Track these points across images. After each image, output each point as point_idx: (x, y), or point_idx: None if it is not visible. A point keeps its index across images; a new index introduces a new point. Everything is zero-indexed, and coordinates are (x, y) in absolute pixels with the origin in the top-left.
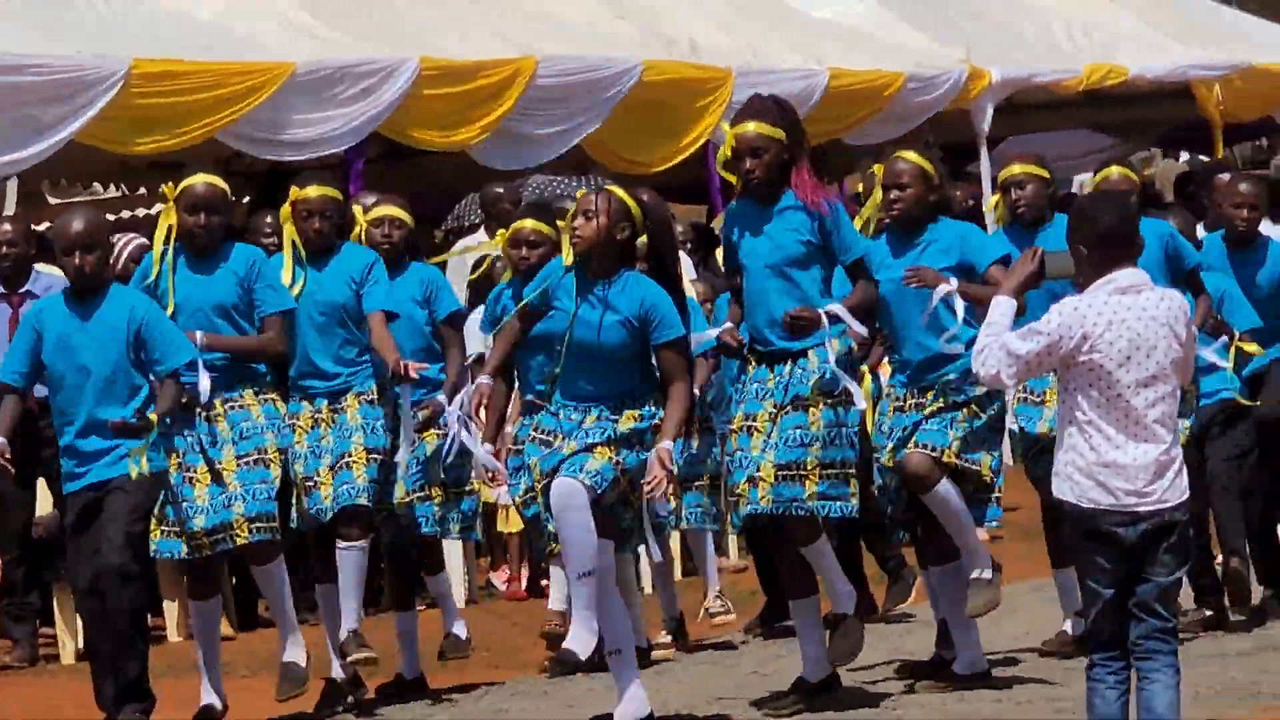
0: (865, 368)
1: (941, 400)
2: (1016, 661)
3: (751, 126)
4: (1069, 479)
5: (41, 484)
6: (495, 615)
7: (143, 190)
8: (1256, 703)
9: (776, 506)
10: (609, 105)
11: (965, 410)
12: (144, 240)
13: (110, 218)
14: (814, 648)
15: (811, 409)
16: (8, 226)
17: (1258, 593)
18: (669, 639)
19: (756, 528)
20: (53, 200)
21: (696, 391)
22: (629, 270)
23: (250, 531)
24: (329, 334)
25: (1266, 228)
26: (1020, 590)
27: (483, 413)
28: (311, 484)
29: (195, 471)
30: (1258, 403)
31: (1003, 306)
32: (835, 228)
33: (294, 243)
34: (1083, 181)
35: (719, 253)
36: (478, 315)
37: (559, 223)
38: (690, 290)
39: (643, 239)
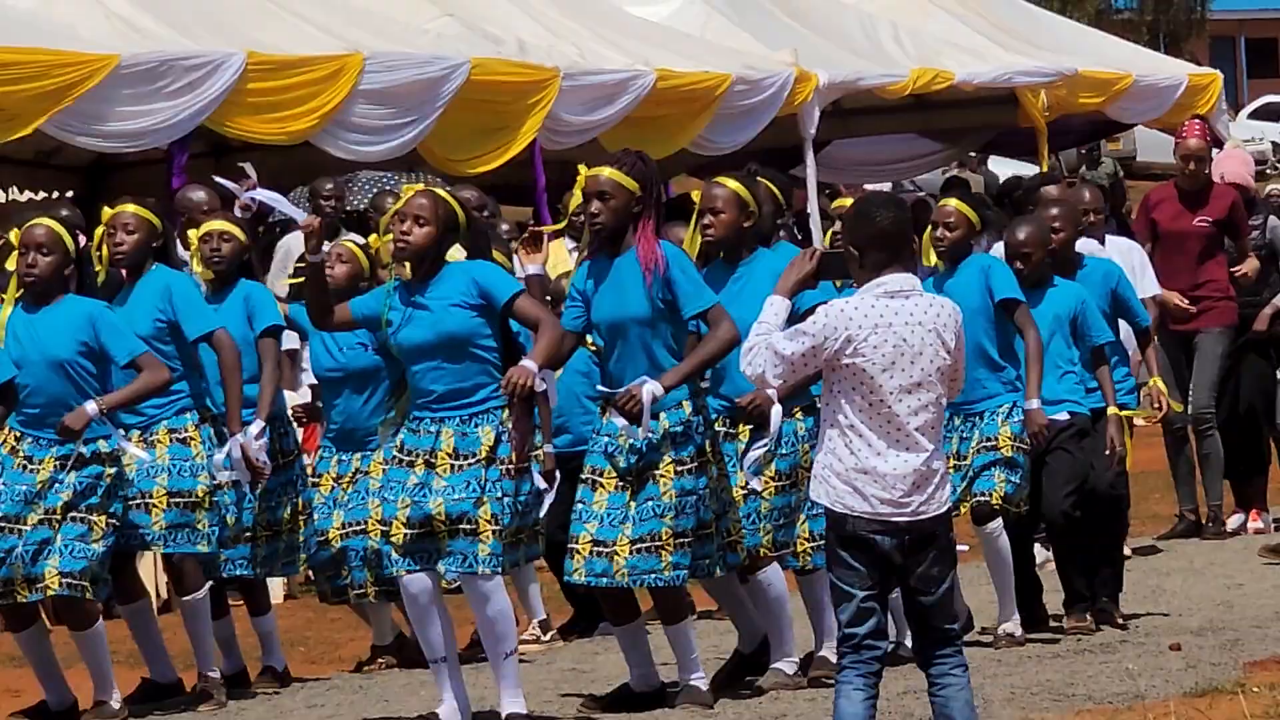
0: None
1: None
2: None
3: (605, 171)
4: (825, 482)
5: None
6: (313, 610)
7: None
8: (1070, 704)
9: (633, 579)
10: (438, 103)
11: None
12: None
13: None
14: (640, 664)
15: (663, 479)
16: None
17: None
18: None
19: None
20: None
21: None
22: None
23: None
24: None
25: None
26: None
27: None
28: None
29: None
30: None
31: (775, 306)
32: (674, 281)
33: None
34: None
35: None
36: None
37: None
38: None
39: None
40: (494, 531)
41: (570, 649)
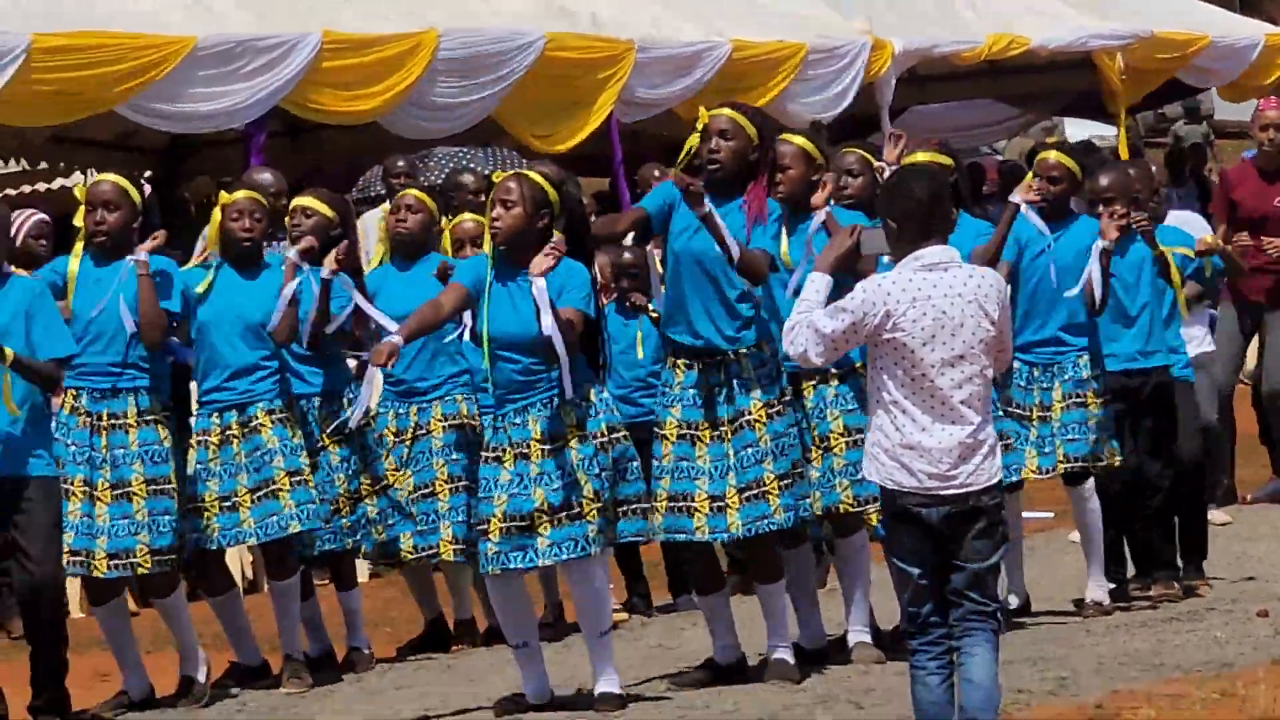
0: None
1: None
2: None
3: (727, 111)
4: (875, 459)
5: None
6: (399, 589)
7: (43, 165)
8: (1158, 674)
9: (747, 528)
10: (512, 78)
11: None
12: (44, 216)
13: (10, 193)
14: (724, 635)
15: (757, 424)
16: None
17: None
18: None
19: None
20: None
21: None
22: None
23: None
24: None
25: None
26: None
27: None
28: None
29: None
30: None
31: (816, 283)
32: (775, 239)
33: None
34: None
35: None
36: None
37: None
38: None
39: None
40: (597, 509)
41: (656, 625)
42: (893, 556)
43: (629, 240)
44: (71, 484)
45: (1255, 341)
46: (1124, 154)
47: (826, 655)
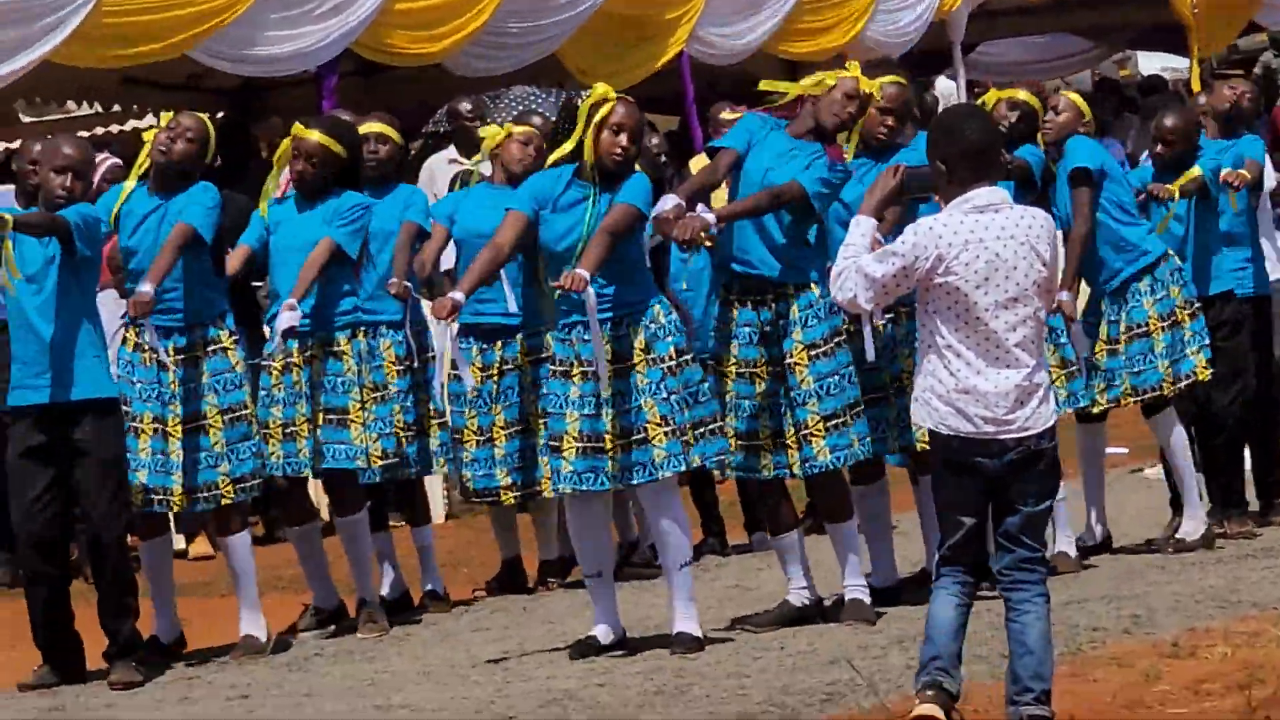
0: None
1: None
2: None
3: (893, 78)
4: (927, 405)
5: None
6: (475, 530)
7: (116, 107)
8: (1234, 610)
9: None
10: (582, 16)
11: None
12: (118, 161)
13: (83, 134)
14: (798, 576)
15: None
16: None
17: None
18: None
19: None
20: (26, 119)
21: None
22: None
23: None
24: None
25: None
26: None
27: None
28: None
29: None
30: None
31: (862, 226)
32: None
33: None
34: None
35: (693, 164)
36: None
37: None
38: None
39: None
40: (664, 433)
41: (732, 565)
42: (942, 503)
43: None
44: (141, 421)
45: None
46: (1195, 87)
47: (900, 593)
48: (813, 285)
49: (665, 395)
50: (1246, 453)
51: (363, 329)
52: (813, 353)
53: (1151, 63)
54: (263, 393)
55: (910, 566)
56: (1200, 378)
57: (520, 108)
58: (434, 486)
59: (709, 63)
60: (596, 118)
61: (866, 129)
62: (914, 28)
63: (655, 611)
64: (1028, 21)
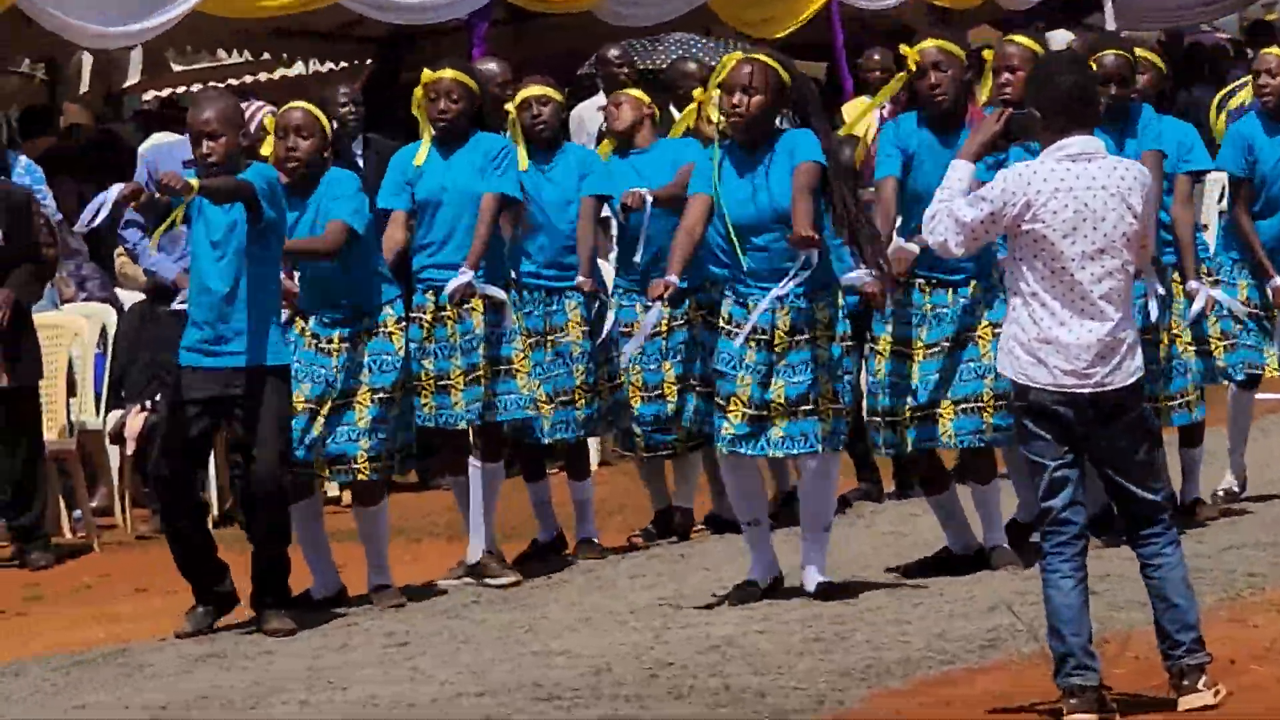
0: None
1: None
2: None
3: (932, 43)
4: (1010, 353)
5: None
6: (630, 477)
7: (266, 55)
8: None
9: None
10: None
11: None
12: (272, 109)
13: (234, 83)
14: (958, 529)
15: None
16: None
17: None
18: None
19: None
20: (177, 68)
21: None
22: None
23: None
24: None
25: None
26: None
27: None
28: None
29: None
30: None
31: (959, 170)
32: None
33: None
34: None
35: (846, 109)
36: None
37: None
38: None
39: None
40: (834, 410)
41: (888, 511)
42: (1027, 451)
43: None
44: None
45: None
46: None
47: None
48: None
49: (841, 374)
50: None
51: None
52: (997, 330)
53: None
54: (414, 345)
55: None
56: None
57: (680, 52)
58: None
59: (859, 8)
60: (714, 81)
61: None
62: None
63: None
64: None
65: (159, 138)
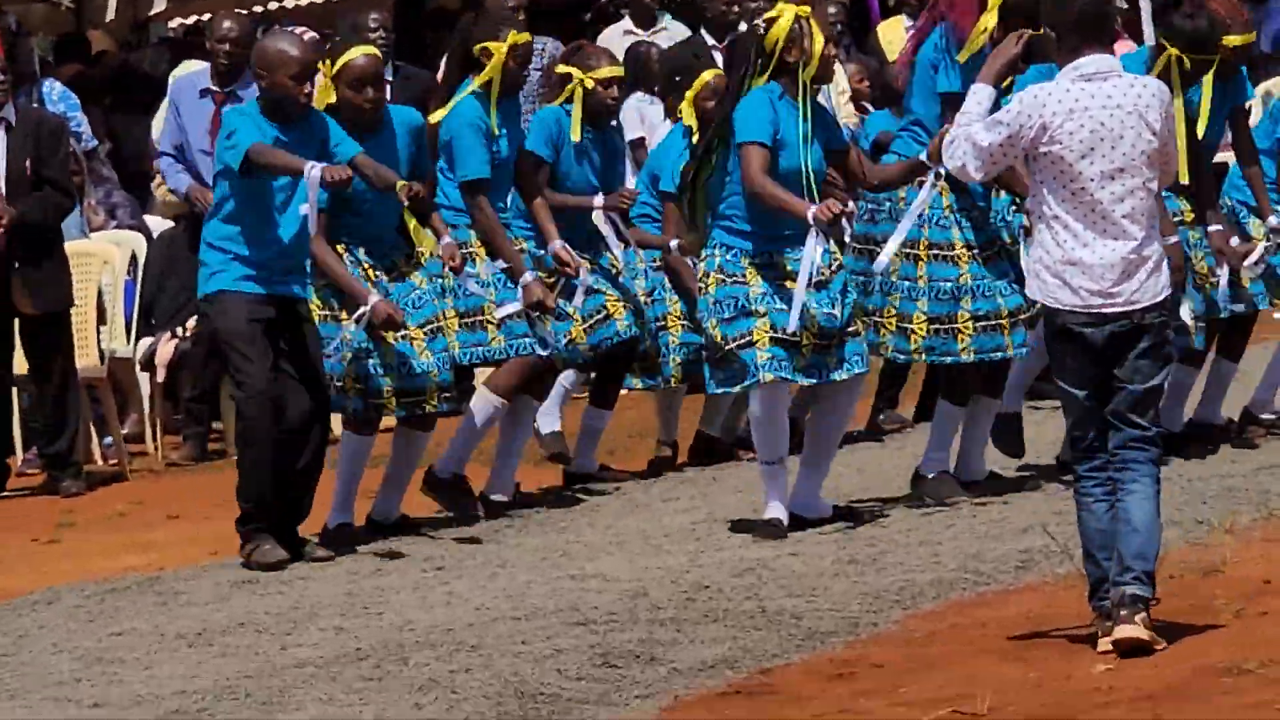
0: None
1: None
2: None
3: None
4: (1037, 276)
5: None
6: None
7: None
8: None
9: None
10: None
11: None
12: (313, 35)
13: (258, 10)
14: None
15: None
16: (231, 24)
17: None
18: None
19: None
20: None
21: None
22: None
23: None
24: None
25: None
26: None
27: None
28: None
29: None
30: None
31: (979, 94)
32: None
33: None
34: None
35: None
36: None
37: None
38: None
39: None
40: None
41: (917, 434)
42: (1058, 379)
43: None
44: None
45: None
46: None
47: None
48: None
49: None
50: None
51: None
52: (972, 252)
53: None
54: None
55: None
56: None
57: None
58: None
59: None
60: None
61: None
62: None
63: (842, 482)
64: None
65: (187, 66)
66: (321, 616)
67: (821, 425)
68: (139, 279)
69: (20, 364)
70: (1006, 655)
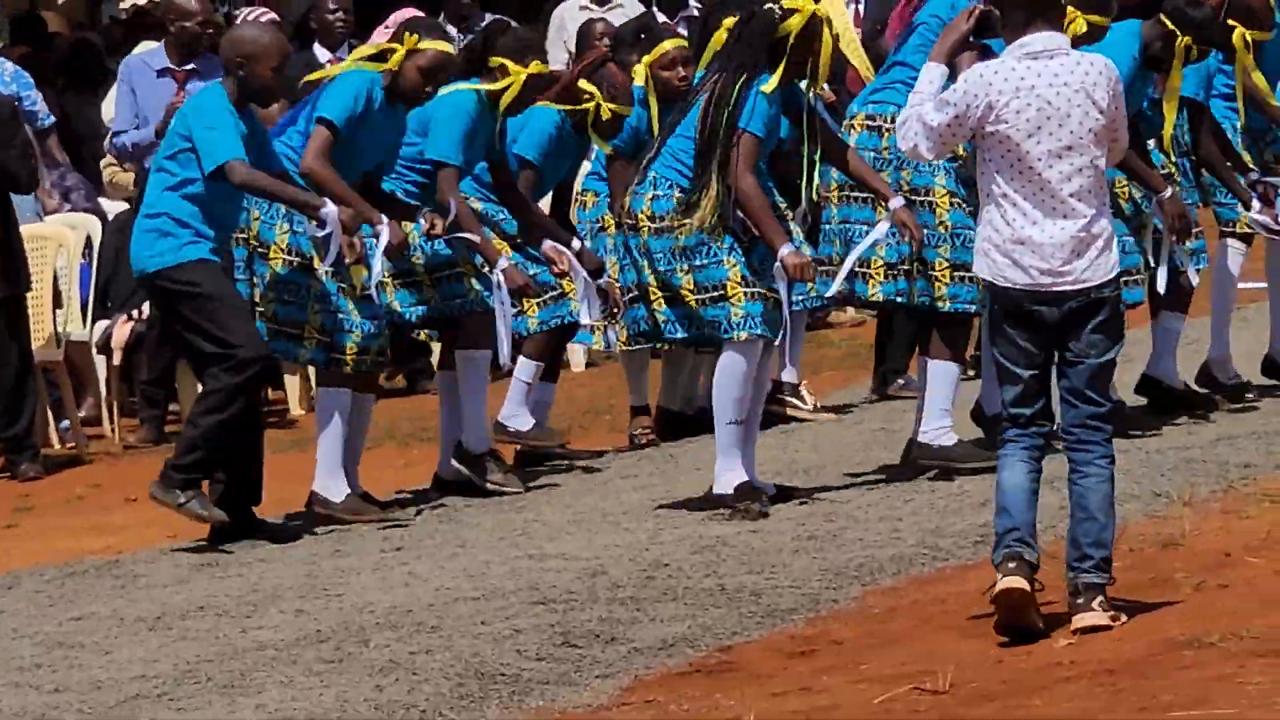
0: None
1: None
2: None
3: None
4: (985, 255)
5: None
6: (617, 378)
7: None
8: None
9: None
10: None
11: None
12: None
13: None
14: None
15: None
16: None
17: None
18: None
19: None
20: None
21: None
22: None
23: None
24: None
25: None
26: None
27: None
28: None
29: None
30: None
31: (930, 73)
32: None
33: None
34: None
35: None
36: None
37: None
38: None
39: None
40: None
41: (877, 408)
42: (1001, 356)
43: None
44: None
45: None
46: None
47: None
48: None
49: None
50: None
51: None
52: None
53: None
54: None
55: None
56: None
57: None
58: None
59: None
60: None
61: None
62: None
63: (799, 456)
64: None
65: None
66: (282, 599)
67: (757, 395)
68: (94, 262)
69: None
70: (967, 631)
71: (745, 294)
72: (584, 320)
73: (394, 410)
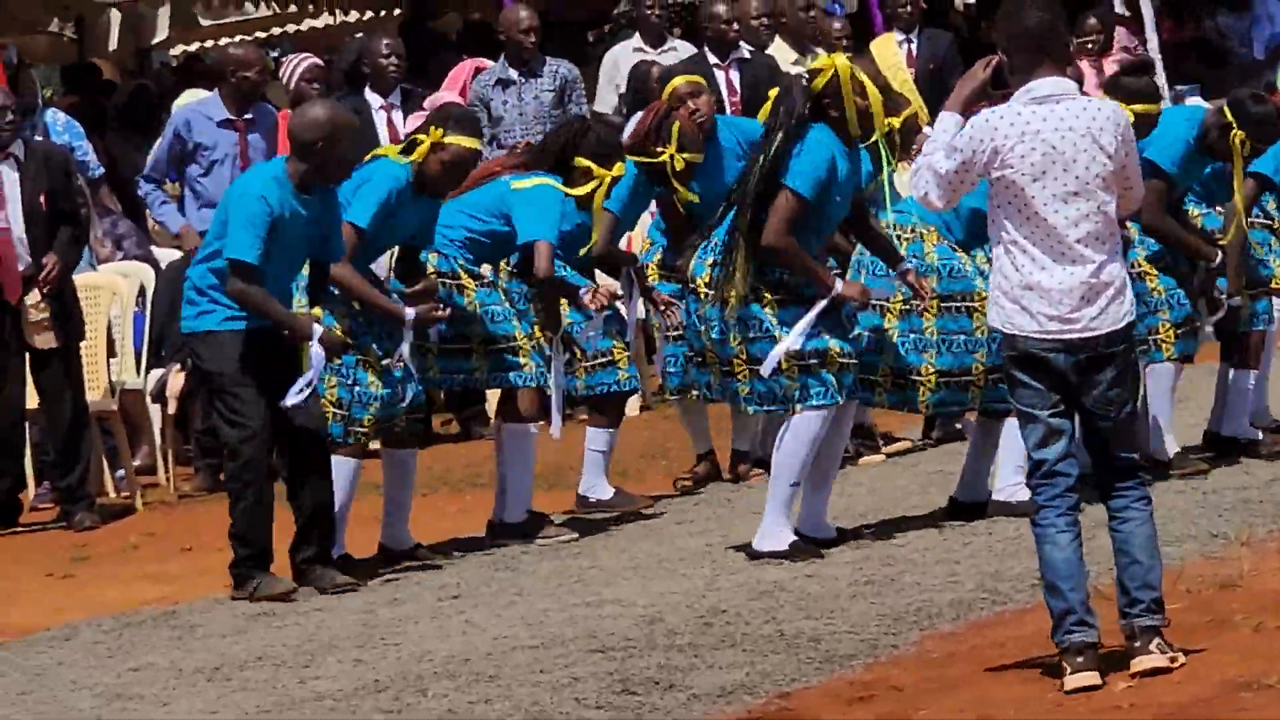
0: None
1: None
2: None
3: None
4: (996, 304)
5: None
6: (672, 421)
7: (292, 7)
8: None
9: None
10: None
11: None
12: (317, 60)
13: (260, 35)
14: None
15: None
16: (249, 52)
17: None
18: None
19: None
20: (205, 22)
21: None
22: None
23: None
24: None
25: None
26: None
27: None
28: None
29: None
30: None
31: (944, 122)
32: None
33: None
34: None
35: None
36: None
37: None
38: None
39: None
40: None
41: (931, 452)
42: (1018, 401)
43: None
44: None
45: None
46: None
47: None
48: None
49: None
50: None
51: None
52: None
53: None
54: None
55: None
56: None
57: None
58: None
59: None
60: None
61: None
62: None
63: (855, 502)
64: None
65: (190, 95)
66: (339, 648)
67: (833, 446)
68: (148, 310)
69: (31, 398)
70: (1026, 676)
71: (798, 366)
72: (583, 343)
73: (448, 457)
